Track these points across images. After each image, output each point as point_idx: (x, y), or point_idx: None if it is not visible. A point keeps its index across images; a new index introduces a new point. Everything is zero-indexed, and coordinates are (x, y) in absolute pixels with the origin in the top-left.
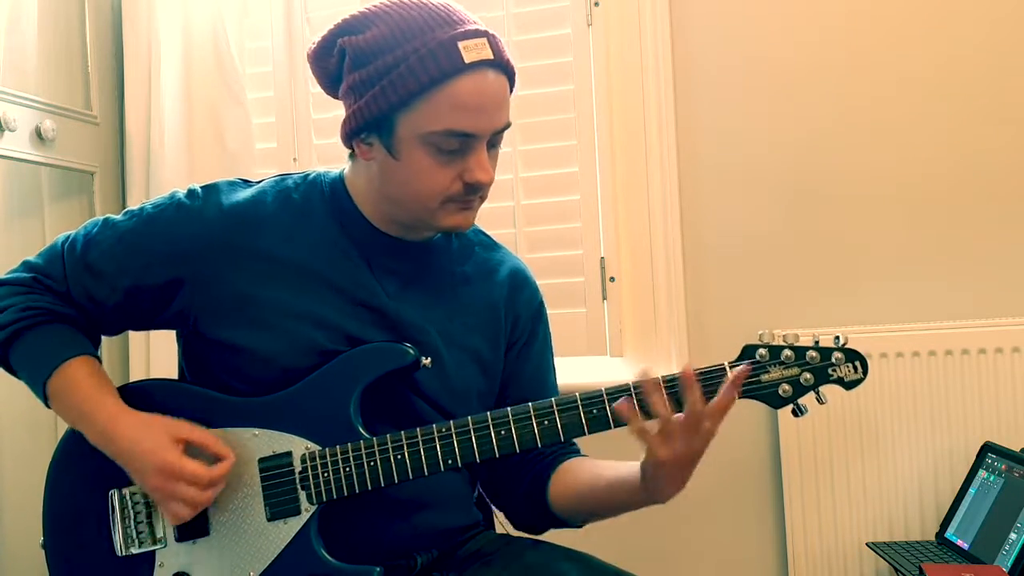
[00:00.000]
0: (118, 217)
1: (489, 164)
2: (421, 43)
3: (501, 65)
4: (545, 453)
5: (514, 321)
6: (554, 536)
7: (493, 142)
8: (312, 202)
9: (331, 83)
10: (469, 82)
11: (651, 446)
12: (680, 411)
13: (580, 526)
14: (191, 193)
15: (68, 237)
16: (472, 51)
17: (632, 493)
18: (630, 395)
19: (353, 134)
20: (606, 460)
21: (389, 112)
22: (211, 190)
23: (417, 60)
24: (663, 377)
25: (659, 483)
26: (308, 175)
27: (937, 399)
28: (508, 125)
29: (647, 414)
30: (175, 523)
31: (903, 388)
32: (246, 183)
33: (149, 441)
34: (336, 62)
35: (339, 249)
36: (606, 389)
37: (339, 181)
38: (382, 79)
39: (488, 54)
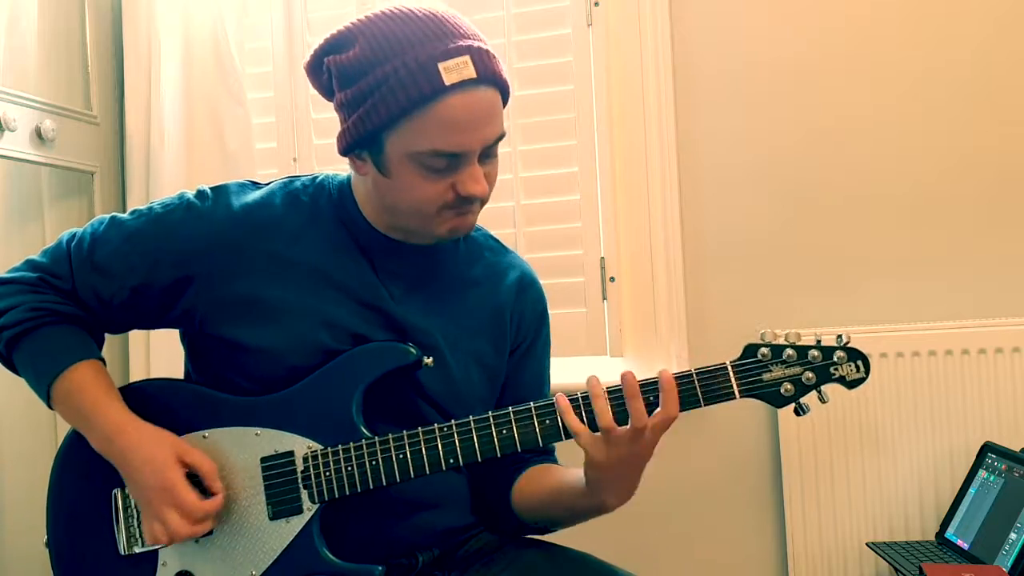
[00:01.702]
0: (125, 216)
1: (482, 176)
2: (401, 63)
3: (487, 80)
4: (521, 457)
5: (518, 324)
6: (554, 536)
7: (487, 153)
8: (319, 205)
9: (328, 97)
10: (452, 102)
11: (587, 449)
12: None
13: (543, 532)
14: (200, 194)
15: (74, 235)
16: (453, 72)
17: (579, 498)
18: (579, 405)
19: (346, 150)
20: (571, 468)
21: (375, 132)
22: (221, 191)
23: (397, 81)
24: (607, 387)
25: (600, 489)
26: (316, 178)
27: (937, 399)
28: (501, 136)
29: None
30: (151, 544)
31: (903, 388)
32: (255, 185)
33: (155, 455)
34: (327, 79)
35: (345, 251)
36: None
37: (346, 185)
38: (365, 101)
39: (470, 73)
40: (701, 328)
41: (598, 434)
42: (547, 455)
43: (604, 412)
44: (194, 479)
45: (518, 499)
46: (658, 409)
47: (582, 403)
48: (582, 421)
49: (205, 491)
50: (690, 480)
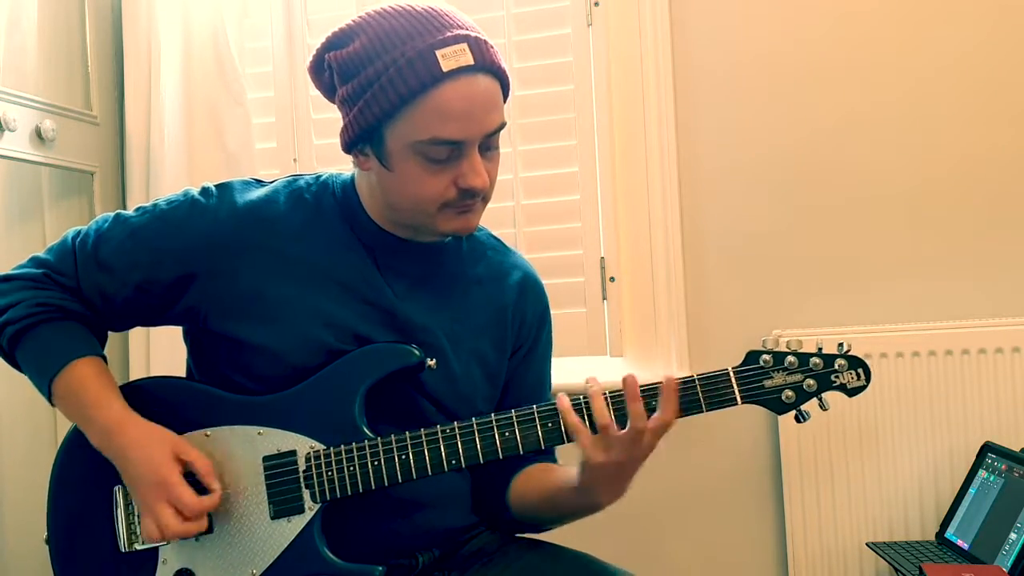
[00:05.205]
0: (130, 213)
1: (483, 168)
2: (400, 54)
3: (485, 68)
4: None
5: (520, 325)
6: (554, 536)
7: (488, 145)
8: (323, 203)
9: (330, 96)
10: (451, 90)
11: (585, 450)
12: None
13: (536, 531)
14: (205, 191)
15: (79, 232)
16: (450, 59)
17: (572, 496)
18: (580, 406)
19: (349, 146)
20: (566, 467)
21: (376, 124)
22: (225, 188)
23: (396, 72)
24: (611, 390)
25: (593, 488)
26: (320, 176)
27: (937, 399)
28: (502, 126)
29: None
30: (147, 541)
31: (903, 388)
32: (259, 182)
33: (152, 452)
34: (328, 76)
35: (349, 249)
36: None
37: (349, 184)
38: (365, 92)
39: (468, 60)
40: (701, 327)
41: (597, 435)
42: (546, 455)
43: (602, 412)
44: (193, 480)
45: (514, 497)
46: (657, 413)
47: (584, 404)
48: (583, 422)
49: (203, 493)
50: (690, 480)
